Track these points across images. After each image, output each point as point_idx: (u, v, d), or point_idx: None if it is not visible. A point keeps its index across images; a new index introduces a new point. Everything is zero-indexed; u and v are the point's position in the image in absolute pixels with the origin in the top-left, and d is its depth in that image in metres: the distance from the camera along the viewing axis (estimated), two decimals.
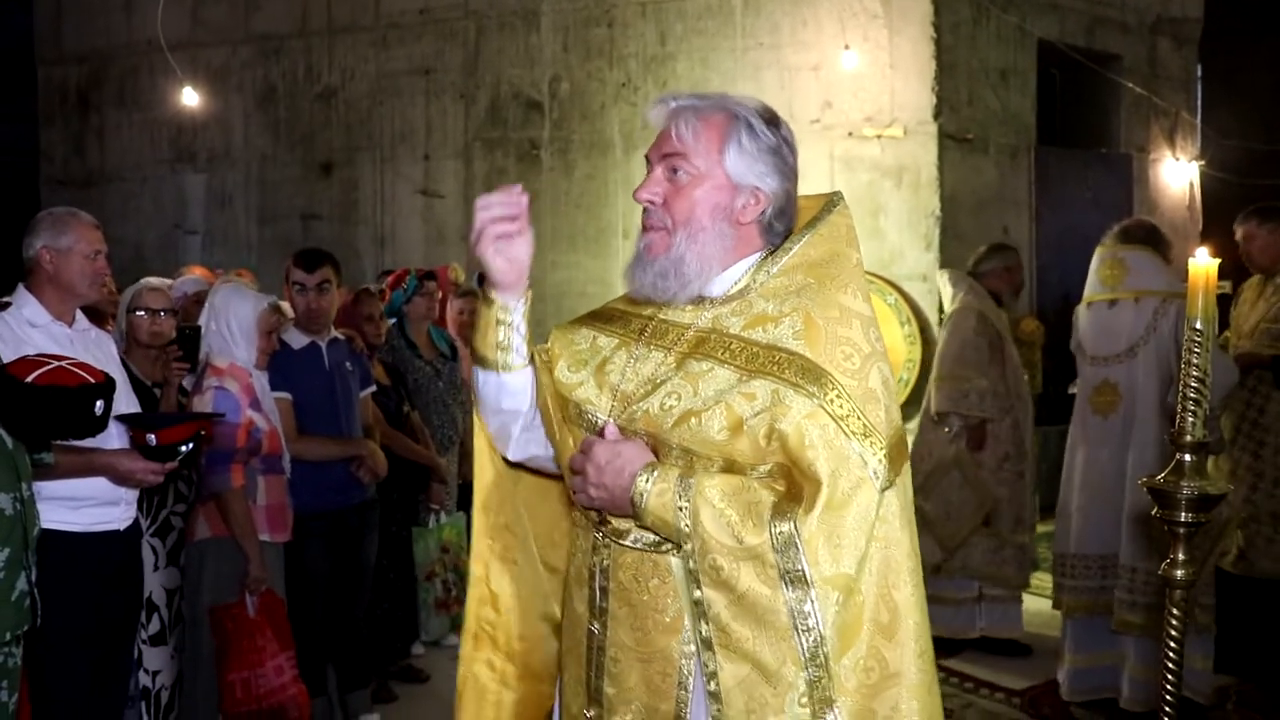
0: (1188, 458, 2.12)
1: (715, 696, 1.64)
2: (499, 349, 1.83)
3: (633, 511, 1.69)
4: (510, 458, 1.96)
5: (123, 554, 3.27)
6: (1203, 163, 9.77)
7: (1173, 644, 2.20)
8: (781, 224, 1.84)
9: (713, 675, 1.64)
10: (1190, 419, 2.12)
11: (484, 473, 1.99)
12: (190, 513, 3.72)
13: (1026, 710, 4.44)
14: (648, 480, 1.67)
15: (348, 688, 4.23)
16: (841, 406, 1.64)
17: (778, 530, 1.59)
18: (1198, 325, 2.10)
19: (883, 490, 1.65)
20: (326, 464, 4.03)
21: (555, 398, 1.89)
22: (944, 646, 4.97)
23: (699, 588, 1.64)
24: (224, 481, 3.60)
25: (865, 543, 1.62)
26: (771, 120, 1.83)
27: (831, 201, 1.90)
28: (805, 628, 1.60)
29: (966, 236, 7.94)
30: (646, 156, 1.85)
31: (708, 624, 1.64)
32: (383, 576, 4.59)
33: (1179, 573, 2.16)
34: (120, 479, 3.10)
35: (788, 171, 1.84)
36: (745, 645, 1.62)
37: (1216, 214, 9.96)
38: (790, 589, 1.60)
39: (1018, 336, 7.80)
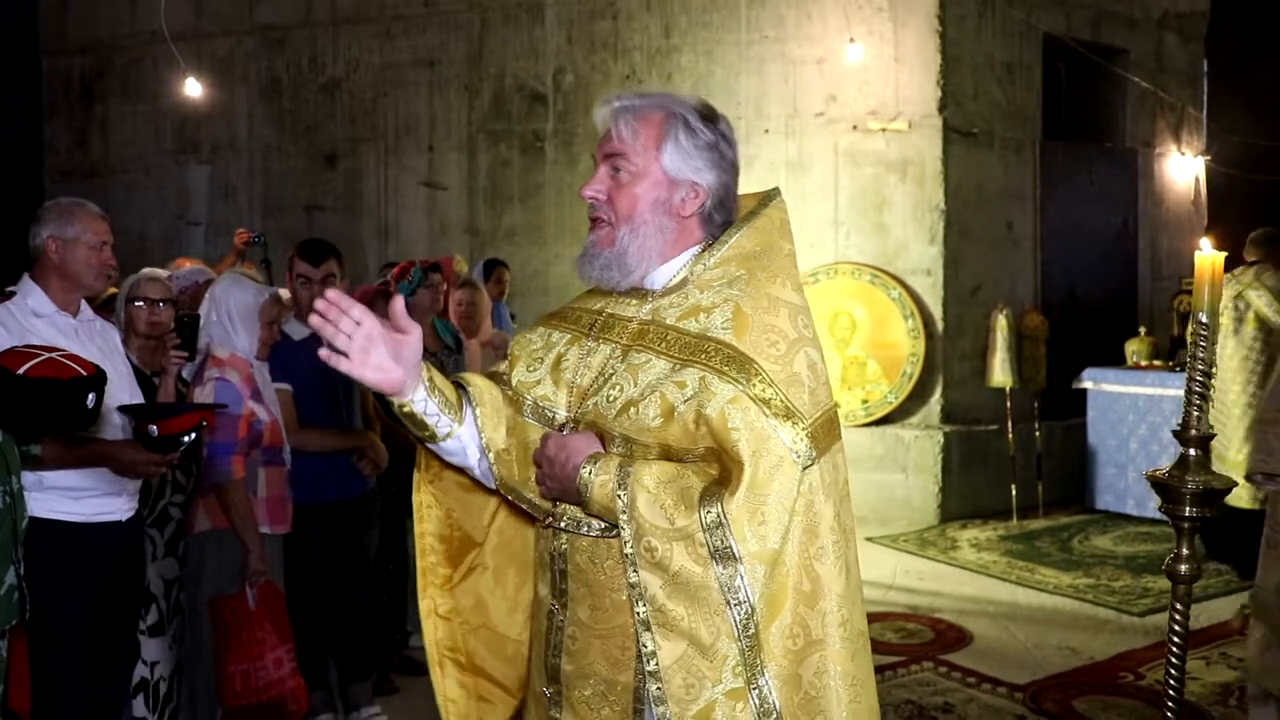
0: (1193, 452, 2.11)
1: (655, 675, 1.72)
2: (420, 429, 1.89)
3: (579, 499, 1.80)
4: (494, 486, 2.04)
5: (124, 544, 3.27)
6: (1208, 157, 9.74)
7: (1176, 640, 2.19)
8: (721, 216, 1.94)
9: (652, 655, 1.72)
10: (1195, 413, 2.11)
11: (422, 521, 2.10)
12: (191, 504, 3.72)
13: (1028, 705, 4.43)
14: (590, 471, 1.77)
15: (348, 680, 4.23)
16: (764, 391, 1.73)
17: (706, 511, 1.69)
18: (1203, 319, 2.09)
19: (804, 468, 1.73)
20: (327, 456, 4.02)
21: (515, 397, 1.99)
22: None
23: (635, 571, 1.72)
24: (225, 473, 3.59)
25: (788, 518, 1.71)
26: (709, 117, 1.92)
27: (768, 196, 2.00)
28: (736, 601, 1.69)
29: (971, 231, 7.93)
30: (592, 155, 1.96)
31: (645, 605, 1.72)
32: (382, 568, 4.58)
33: (1183, 568, 2.16)
34: (122, 470, 3.10)
35: (726, 166, 1.93)
36: (681, 623, 1.70)
37: (1221, 209, 9.95)
38: (720, 566, 1.68)
39: (1022, 331, 7.81)
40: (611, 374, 1.87)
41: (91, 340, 3.20)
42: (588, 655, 1.85)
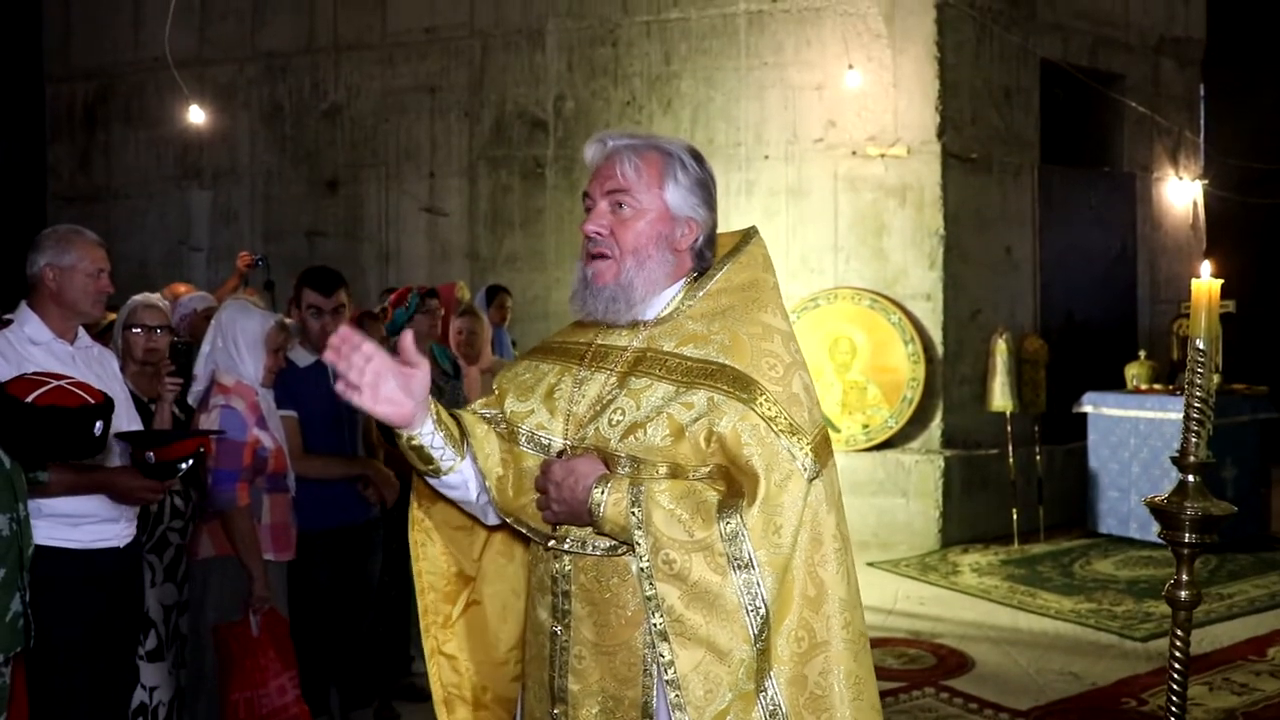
0: (1191, 478, 2.12)
1: (673, 684, 1.77)
2: (425, 462, 1.95)
3: (590, 520, 1.84)
4: (490, 523, 2.11)
5: (123, 570, 3.26)
6: (1206, 181, 9.78)
7: (1177, 666, 2.19)
8: (710, 250, 2.03)
9: (669, 664, 1.77)
10: (1194, 439, 2.11)
11: (419, 560, 2.16)
12: (194, 530, 3.72)
13: None
14: (603, 491, 1.82)
15: (350, 706, 4.22)
16: (770, 409, 1.82)
17: (725, 523, 1.76)
18: (1200, 345, 2.09)
19: (810, 480, 1.82)
20: (332, 483, 4.02)
21: (509, 428, 2.03)
22: None
23: (651, 584, 1.78)
24: (229, 500, 3.58)
25: (797, 527, 1.80)
26: (697, 157, 2.02)
27: (748, 234, 2.09)
28: (754, 607, 1.76)
29: (970, 255, 7.95)
30: (586, 192, 2.01)
31: (662, 616, 1.78)
32: (385, 595, 4.57)
33: (1182, 594, 2.15)
34: (120, 496, 3.10)
35: (712, 203, 2.03)
36: (700, 631, 1.76)
37: (1219, 232, 9.98)
38: (738, 574, 1.76)
39: (1021, 355, 7.82)
40: (610, 400, 1.92)
41: (90, 367, 3.20)
42: (594, 673, 1.89)
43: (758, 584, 1.75)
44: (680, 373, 1.89)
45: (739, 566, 1.75)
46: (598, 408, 1.93)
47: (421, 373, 1.83)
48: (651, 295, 1.97)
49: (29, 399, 2.60)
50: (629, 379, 1.93)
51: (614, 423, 1.89)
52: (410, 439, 1.90)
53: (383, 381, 1.80)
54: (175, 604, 3.69)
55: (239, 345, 3.73)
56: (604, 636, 1.89)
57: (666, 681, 1.76)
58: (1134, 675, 5.02)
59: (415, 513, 2.14)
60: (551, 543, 1.94)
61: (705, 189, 2.00)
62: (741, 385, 1.83)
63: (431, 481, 2.01)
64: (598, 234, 1.96)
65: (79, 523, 3.09)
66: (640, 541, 1.78)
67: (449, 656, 2.16)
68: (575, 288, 2.01)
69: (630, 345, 1.98)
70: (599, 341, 2.03)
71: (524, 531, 2.00)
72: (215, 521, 3.65)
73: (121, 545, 3.22)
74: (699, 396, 1.84)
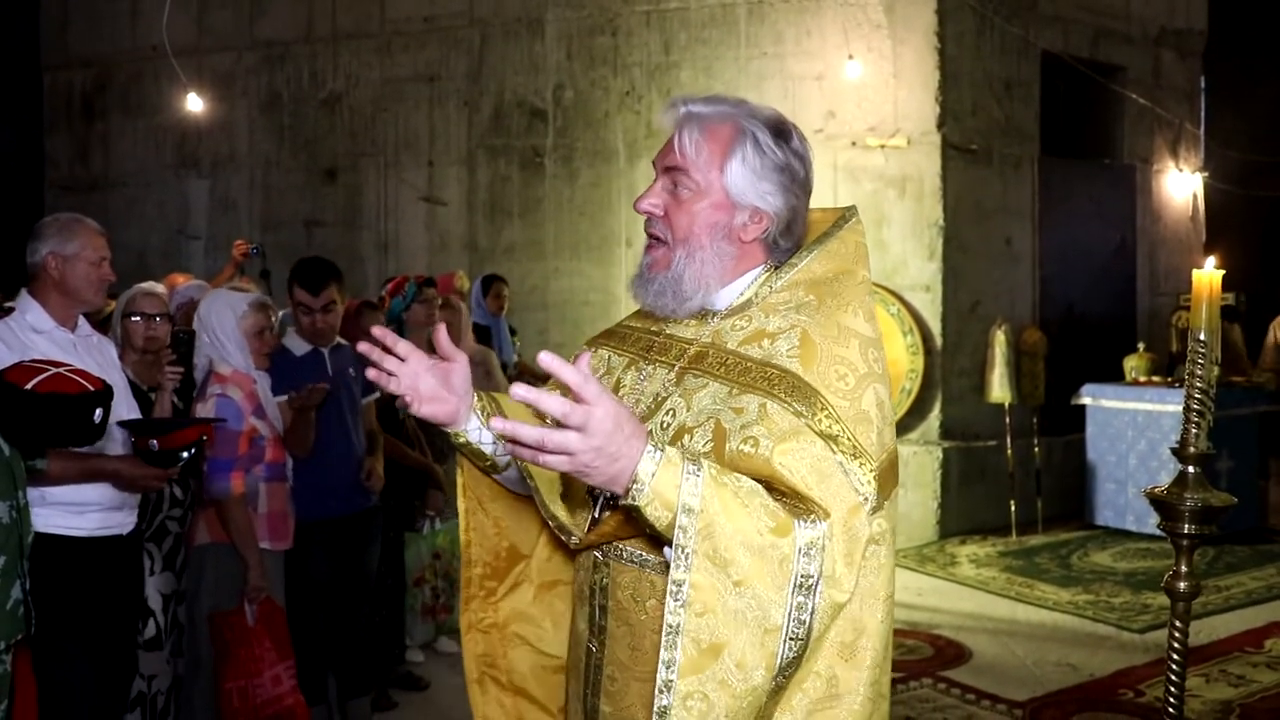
0: (1191, 469, 2.12)
1: (667, 687, 1.49)
2: (479, 459, 1.86)
3: (626, 484, 1.47)
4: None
5: (125, 558, 3.28)
6: (1206, 174, 9.77)
7: (1175, 657, 2.19)
8: (788, 241, 1.78)
9: (669, 663, 1.48)
10: (1194, 430, 2.11)
11: (468, 530, 2.00)
12: (191, 518, 3.72)
13: None
14: (656, 450, 1.46)
15: (348, 695, 4.22)
16: (831, 426, 1.57)
17: (807, 527, 1.50)
18: (1201, 336, 2.09)
19: (873, 512, 1.58)
20: (331, 471, 4.02)
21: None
22: None
23: (685, 569, 1.47)
24: (224, 489, 3.59)
25: (858, 564, 1.55)
26: (782, 134, 1.75)
27: (844, 217, 1.86)
28: (795, 635, 1.51)
29: (970, 247, 7.94)
30: (653, 162, 1.81)
31: (682, 608, 1.48)
32: (380, 583, 4.58)
33: (1182, 585, 2.16)
34: (125, 484, 3.11)
35: (795, 188, 1.76)
36: (719, 636, 1.48)
37: (1220, 225, 9.97)
38: (801, 594, 1.50)
39: (1020, 347, 7.82)
40: (665, 399, 1.75)
41: (90, 355, 3.21)
42: (626, 698, 1.73)
43: (811, 612, 1.50)
44: (737, 373, 1.67)
45: (803, 587, 1.49)
46: (654, 406, 1.76)
47: (459, 366, 1.75)
48: (708, 290, 1.75)
49: (28, 386, 2.60)
50: (686, 376, 1.75)
51: (665, 425, 1.71)
52: (457, 436, 1.80)
53: (420, 381, 1.72)
54: (174, 592, 3.70)
55: (218, 336, 3.74)
56: (638, 661, 1.70)
57: (663, 682, 1.48)
58: (1131, 666, 5.03)
59: (464, 480, 1.96)
60: (573, 539, 1.77)
61: (786, 173, 1.73)
62: (800, 395, 1.58)
63: (496, 478, 1.91)
64: (650, 213, 1.77)
65: (84, 510, 3.11)
66: (690, 519, 1.46)
67: (484, 632, 2.00)
68: (635, 272, 1.82)
69: (696, 339, 1.78)
70: (667, 331, 1.85)
71: (557, 532, 1.82)
72: (211, 508, 3.66)
73: (124, 533, 3.24)
74: (751, 402, 1.61)
